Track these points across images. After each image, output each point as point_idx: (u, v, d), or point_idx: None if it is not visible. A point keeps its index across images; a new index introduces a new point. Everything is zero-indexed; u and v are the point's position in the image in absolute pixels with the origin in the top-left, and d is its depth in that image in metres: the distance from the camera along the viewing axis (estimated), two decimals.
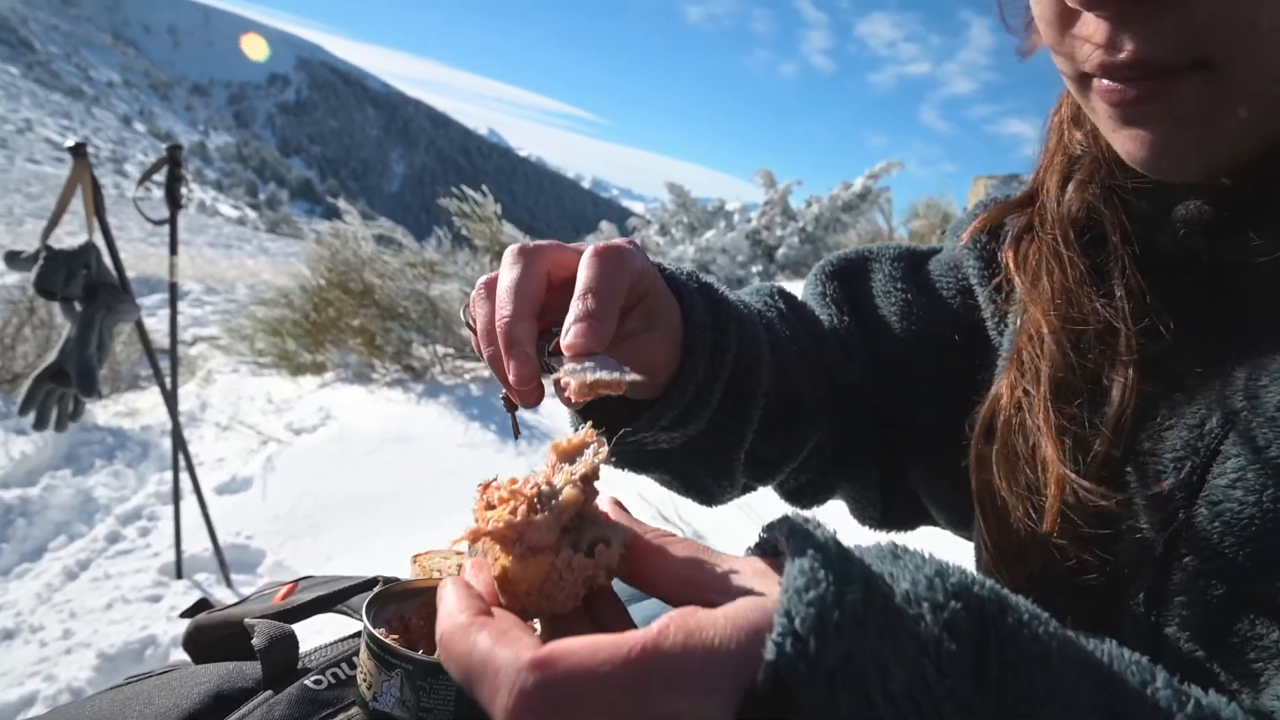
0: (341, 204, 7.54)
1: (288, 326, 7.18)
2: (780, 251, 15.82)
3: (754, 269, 15.85)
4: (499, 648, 0.40)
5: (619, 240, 0.73)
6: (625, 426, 0.77)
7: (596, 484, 0.50)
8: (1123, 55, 0.61)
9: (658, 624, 0.39)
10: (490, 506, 0.49)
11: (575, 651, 0.38)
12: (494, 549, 0.48)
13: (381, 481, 4.44)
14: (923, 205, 13.80)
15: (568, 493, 0.48)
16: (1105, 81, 0.65)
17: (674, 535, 0.49)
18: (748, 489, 1.02)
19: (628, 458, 0.91)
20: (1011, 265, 0.88)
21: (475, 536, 0.48)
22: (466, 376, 6.47)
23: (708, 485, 0.95)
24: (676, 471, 0.94)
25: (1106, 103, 0.66)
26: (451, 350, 6.71)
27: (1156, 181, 0.73)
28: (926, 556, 0.42)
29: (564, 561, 0.47)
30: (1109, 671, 0.42)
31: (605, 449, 0.51)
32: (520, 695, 0.37)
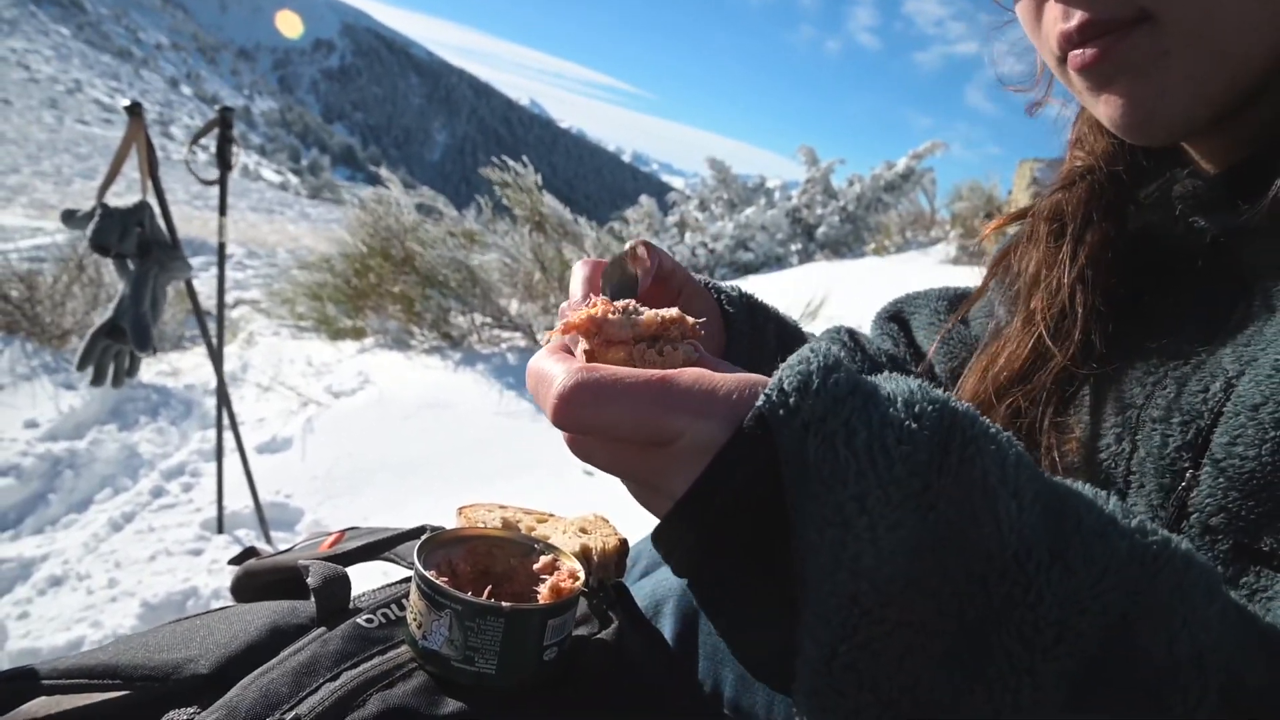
0: (384, 172, 7.60)
1: (328, 291, 7.28)
2: (820, 230, 15.70)
3: (793, 247, 15.75)
4: (560, 363, 0.53)
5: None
6: None
7: (681, 334, 0.60)
8: (1074, 22, 0.72)
9: (676, 369, 0.52)
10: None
11: (613, 369, 0.51)
12: (580, 341, 0.58)
13: (418, 446, 4.51)
14: (966, 188, 13.63)
15: (648, 315, 0.59)
16: (1072, 53, 0.75)
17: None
18: None
19: None
20: (999, 266, 1.00)
21: (566, 329, 0.59)
22: (504, 345, 6.52)
23: None
24: None
25: (1076, 72, 0.75)
26: (489, 319, 6.76)
27: (1155, 176, 0.84)
28: (921, 383, 0.49)
29: (638, 353, 0.57)
30: (1064, 484, 0.49)
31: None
32: (563, 390, 0.50)
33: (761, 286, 10.43)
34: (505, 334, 6.79)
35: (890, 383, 0.48)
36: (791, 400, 0.46)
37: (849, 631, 0.44)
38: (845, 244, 15.46)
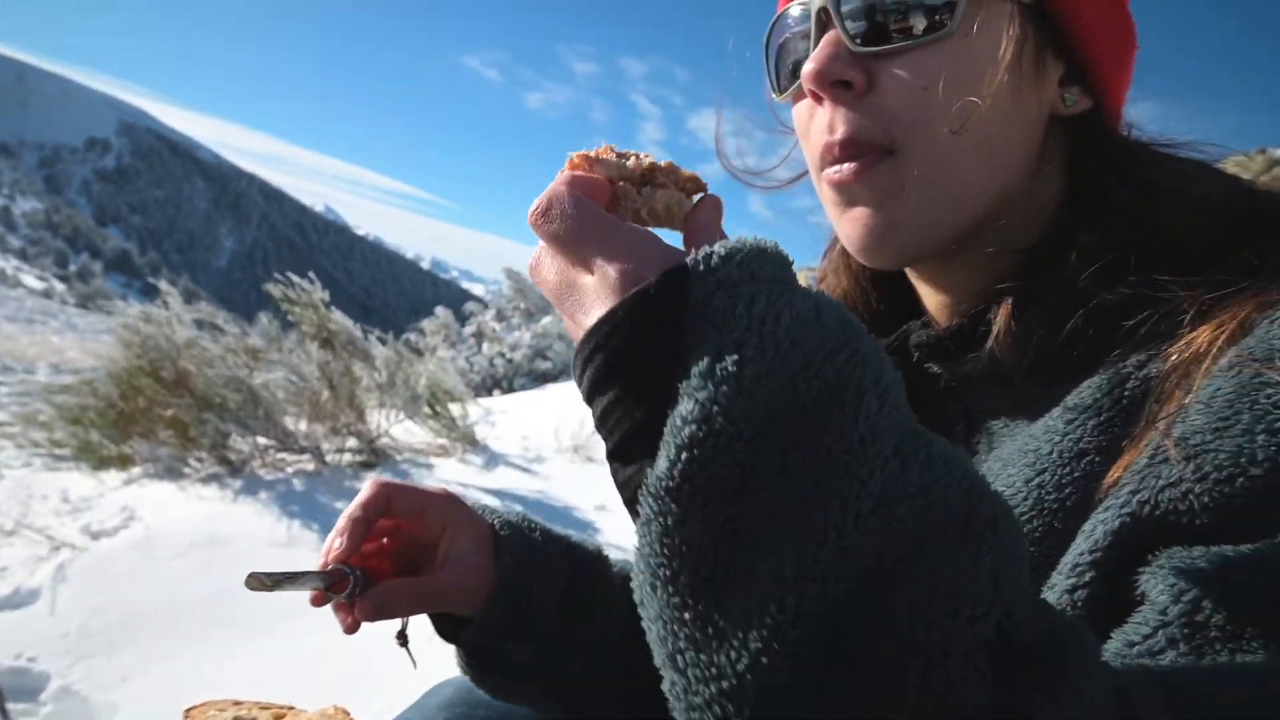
0: (161, 284, 7.15)
1: (91, 415, 6.66)
2: None
3: None
4: (557, 184, 0.66)
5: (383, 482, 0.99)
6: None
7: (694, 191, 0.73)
8: (837, 136, 0.85)
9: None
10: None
11: (583, 201, 0.64)
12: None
13: (190, 590, 4.14)
14: None
15: (635, 160, 0.72)
16: (828, 170, 0.88)
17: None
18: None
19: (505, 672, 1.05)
20: None
21: (570, 165, 0.71)
22: (289, 470, 6.19)
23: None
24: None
25: (831, 186, 0.89)
26: (274, 442, 6.41)
27: (889, 322, 1.01)
28: (840, 305, 0.58)
29: (622, 190, 0.71)
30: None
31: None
32: (539, 200, 0.65)
33: (560, 395, 10.49)
34: (291, 457, 6.45)
35: (816, 292, 0.58)
36: (714, 262, 0.57)
37: (693, 445, 0.51)
38: None
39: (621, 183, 0.71)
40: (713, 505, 0.51)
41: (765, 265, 0.57)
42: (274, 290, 6.94)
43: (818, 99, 0.88)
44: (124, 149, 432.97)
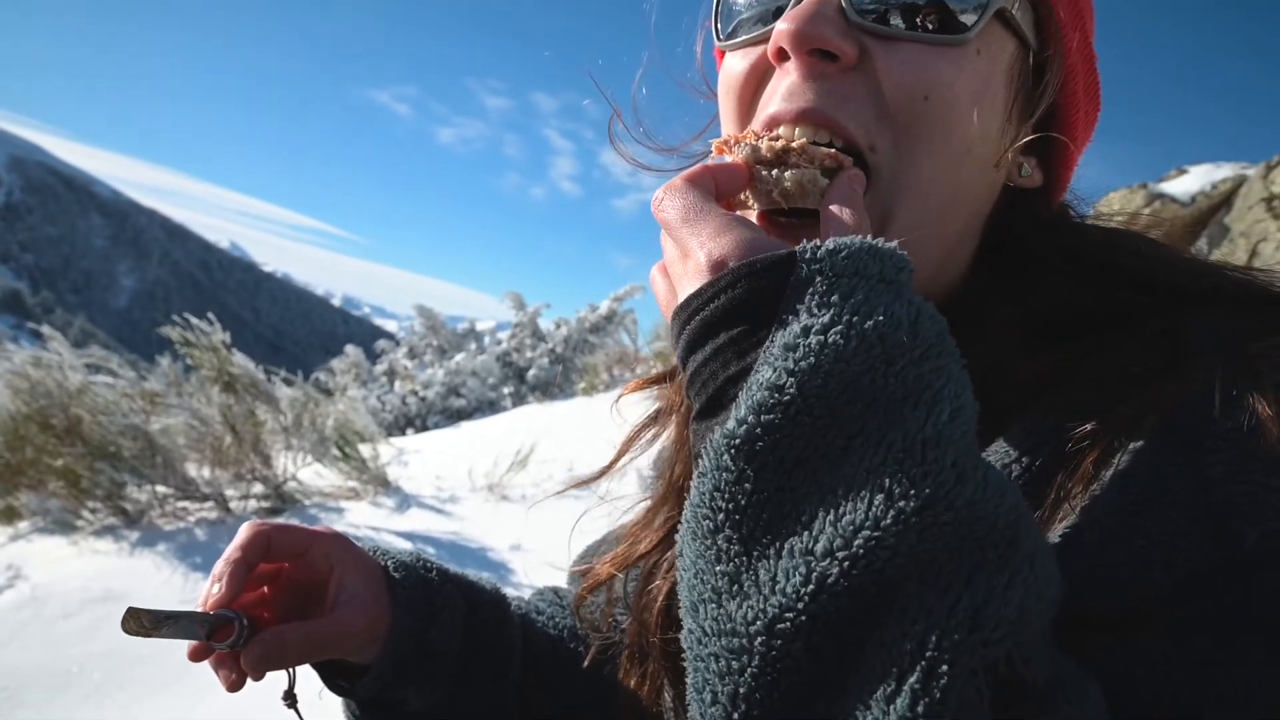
0: (46, 330, 6.84)
1: None
2: (531, 373, 15.98)
3: (506, 390, 15.87)
4: (686, 173, 0.73)
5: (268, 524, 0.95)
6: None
7: (834, 168, 0.76)
8: (799, 105, 0.79)
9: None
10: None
11: (699, 192, 0.71)
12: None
13: (83, 650, 3.94)
14: (664, 327, 14.43)
15: (767, 143, 0.76)
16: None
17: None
18: None
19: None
20: (634, 441, 1.10)
21: (717, 149, 0.80)
22: (191, 519, 5.97)
23: None
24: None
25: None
26: (173, 490, 6.16)
27: None
28: (938, 318, 0.62)
29: (754, 173, 0.76)
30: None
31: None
32: (663, 186, 0.72)
33: (474, 433, 10.35)
34: (193, 506, 6.21)
35: (923, 301, 0.61)
36: (820, 253, 0.61)
37: (762, 410, 0.55)
38: (556, 385, 15.80)
39: (756, 166, 0.76)
40: (769, 471, 0.54)
41: (874, 264, 0.60)
42: (172, 333, 6.70)
43: (781, 59, 0.81)
44: (14, 184, 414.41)
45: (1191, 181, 10.00)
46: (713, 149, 0.80)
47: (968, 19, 0.77)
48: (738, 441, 0.55)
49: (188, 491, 6.20)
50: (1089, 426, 0.69)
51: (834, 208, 0.70)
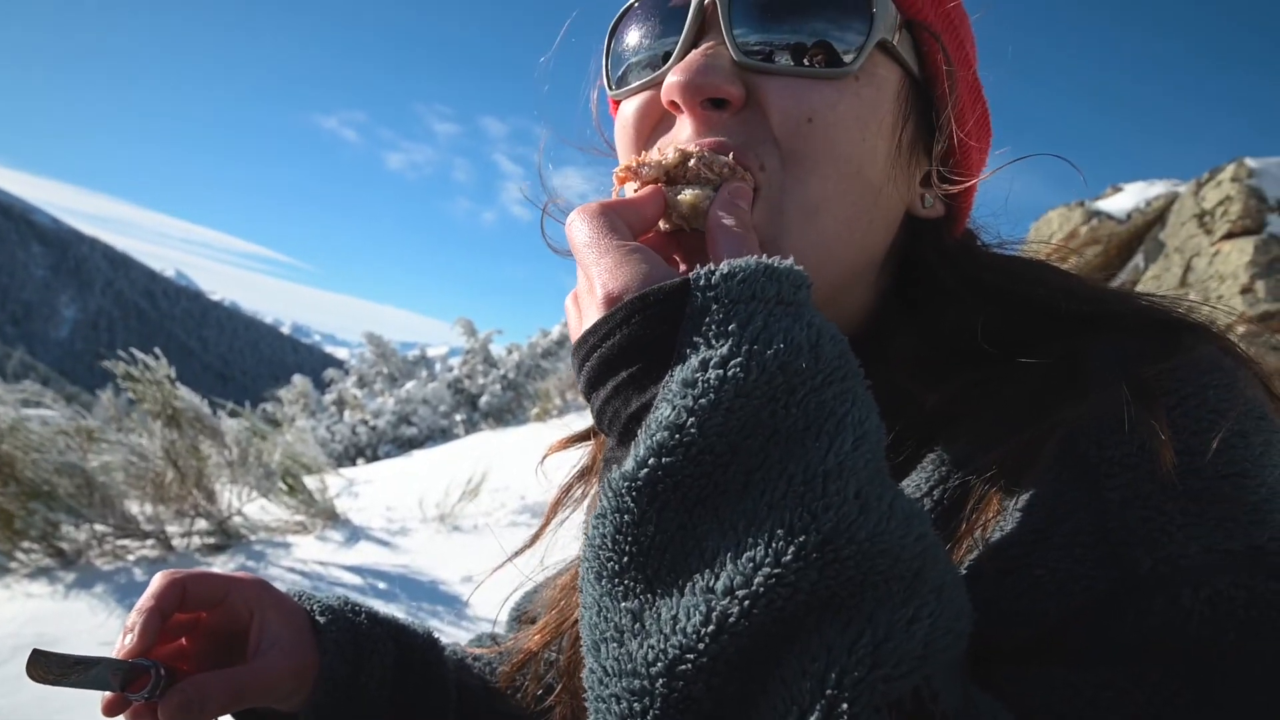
0: None
1: None
2: (483, 400, 15.86)
3: (458, 417, 15.74)
4: (594, 204, 0.71)
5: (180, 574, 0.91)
6: None
7: (716, 182, 0.75)
8: (704, 143, 0.78)
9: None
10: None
11: (599, 221, 0.68)
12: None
13: (12, 702, 3.80)
14: None
15: (671, 156, 0.75)
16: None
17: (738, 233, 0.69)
18: None
19: None
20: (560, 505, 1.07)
21: (619, 180, 0.79)
22: (131, 558, 5.81)
23: None
24: None
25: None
26: (112, 529, 5.98)
27: None
28: (841, 339, 0.60)
29: (666, 194, 0.74)
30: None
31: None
32: (570, 215, 0.70)
33: (426, 462, 10.25)
34: (133, 544, 6.04)
35: (823, 321, 0.59)
36: (715, 278, 0.59)
37: (662, 451, 0.54)
38: (509, 411, 15.71)
39: (664, 184, 0.75)
40: (671, 511, 0.53)
41: (770, 285, 0.59)
42: (114, 367, 6.54)
43: (676, 109, 0.82)
44: None
45: (1127, 199, 10.25)
46: (614, 180, 0.79)
47: (849, 56, 0.78)
48: (639, 484, 0.54)
49: (128, 530, 6.03)
50: (995, 456, 0.70)
51: (718, 222, 0.69)
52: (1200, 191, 8.56)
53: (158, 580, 0.89)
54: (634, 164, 0.76)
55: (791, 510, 0.51)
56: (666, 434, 0.54)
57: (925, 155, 0.87)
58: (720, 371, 0.54)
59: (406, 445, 14.71)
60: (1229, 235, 7.89)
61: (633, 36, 0.89)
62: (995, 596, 0.61)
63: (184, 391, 6.65)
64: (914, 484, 0.76)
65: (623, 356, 0.61)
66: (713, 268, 0.60)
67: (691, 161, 0.74)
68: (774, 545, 0.50)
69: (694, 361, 0.56)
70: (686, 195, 0.73)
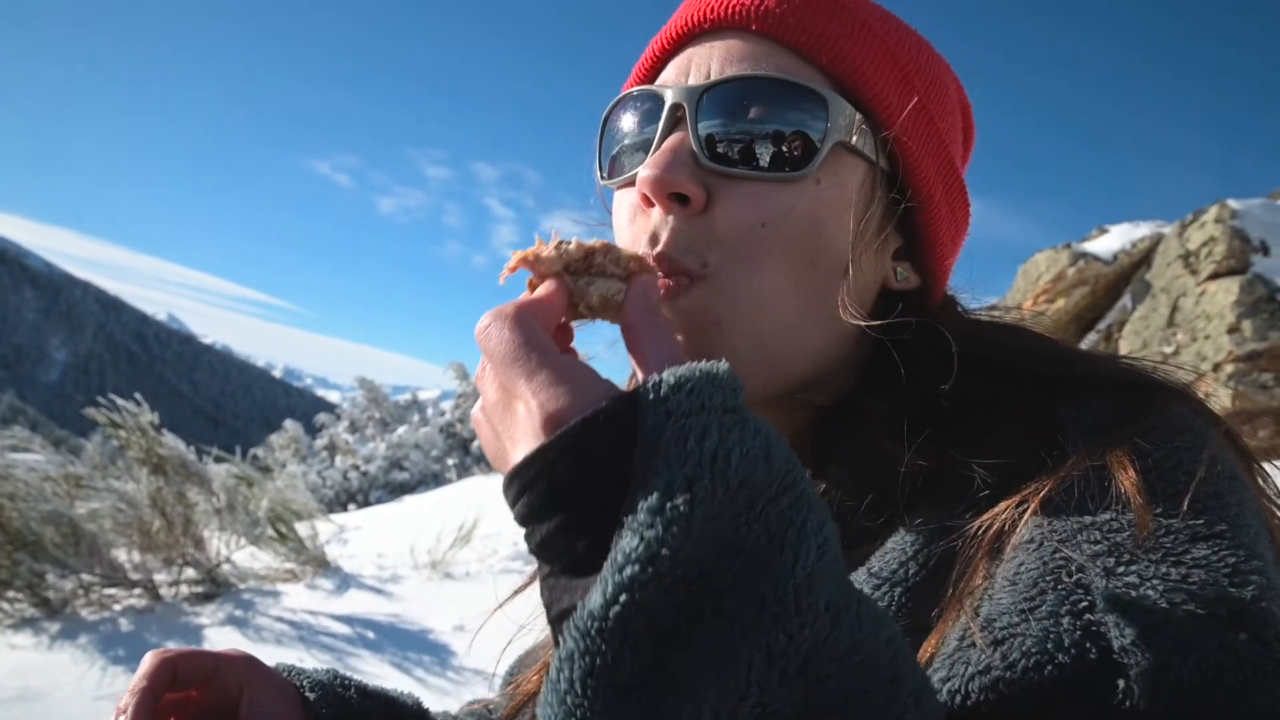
0: None
1: None
2: (476, 444, 15.80)
3: (450, 462, 15.66)
4: (509, 304, 0.66)
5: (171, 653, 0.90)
6: None
7: (630, 271, 0.72)
8: (657, 249, 0.82)
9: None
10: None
11: (521, 318, 0.64)
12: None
13: None
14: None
15: (576, 245, 0.72)
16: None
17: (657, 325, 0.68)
18: None
19: None
20: None
21: (521, 261, 0.72)
22: (117, 608, 5.73)
23: None
24: None
25: None
26: (98, 578, 5.91)
27: None
28: (785, 443, 0.58)
29: (571, 286, 0.71)
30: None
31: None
32: (486, 315, 0.65)
33: (417, 508, 10.17)
34: (120, 593, 5.96)
35: (767, 425, 0.57)
36: (663, 391, 0.56)
37: (634, 587, 0.49)
38: None
39: (569, 277, 0.72)
40: (644, 649, 0.50)
41: (716, 394, 0.56)
42: (97, 415, 6.50)
43: (648, 203, 0.84)
44: None
45: (1113, 240, 10.34)
46: (512, 258, 0.74)
47: (806, 159, 0.81)
48: (609, 623, 0.50)
49: (114, 579, 5.96)
50: (978, 523, 0.70)
51: (641, 318, 0.68)
52: (1185, 233, 8.65)
53: (149, 660, 0.89)
54: (530, 256, 0.72)
55: (767, 633, 0.49)
56: (638, 568, 0.50)
57: (896, 232, 0.89)
58: (687, 495, 0.51)
59: (398, 490, 14.62)
60: (1214, 275, 7.96)
61: (620, 125, 0.93)
62: (988, 668, 0.60)
63: (169, 438, 6.61)
64: (897, 547, 0.75)
65: (575, 486, 0.56)
66: (658, 379, 0.57)
67: (597, 257, 0.72)
68: (753, 674, 0.48)
69: (658, 486, 0.52)
70: (598, 287, 0.71)
